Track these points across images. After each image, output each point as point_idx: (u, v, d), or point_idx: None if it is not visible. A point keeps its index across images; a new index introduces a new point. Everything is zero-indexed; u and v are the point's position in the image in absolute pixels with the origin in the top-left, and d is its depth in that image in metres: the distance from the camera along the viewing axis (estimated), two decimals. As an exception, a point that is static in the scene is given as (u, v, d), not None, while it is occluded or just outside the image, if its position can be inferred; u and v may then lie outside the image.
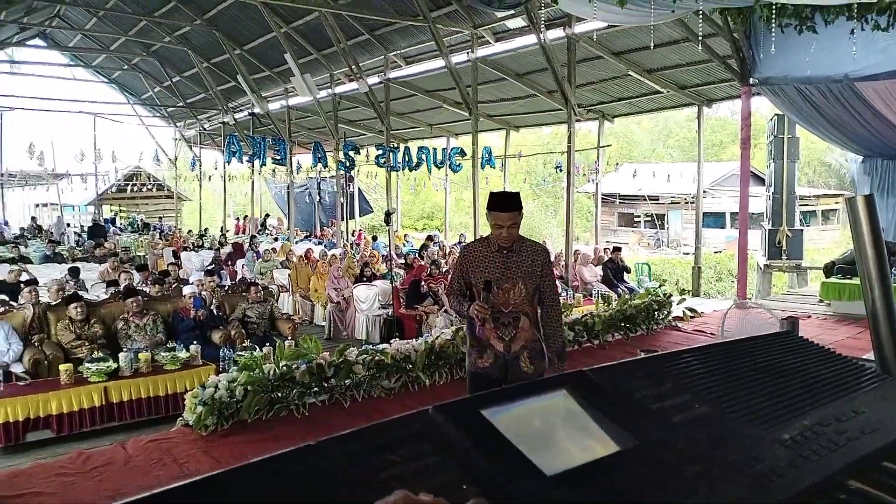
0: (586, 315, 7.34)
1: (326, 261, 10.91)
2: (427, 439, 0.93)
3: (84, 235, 18.71)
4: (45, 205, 26.49)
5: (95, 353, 5.81)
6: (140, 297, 6.83)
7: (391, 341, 5.96)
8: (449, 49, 12.79)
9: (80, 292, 7.89)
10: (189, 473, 3.82)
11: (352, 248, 15.28)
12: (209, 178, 22.62)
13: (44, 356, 5.97)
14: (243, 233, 20.79)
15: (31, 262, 12.17)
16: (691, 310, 8.81)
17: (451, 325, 6.73)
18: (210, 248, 15.66)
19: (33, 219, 22.26)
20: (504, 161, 17.30)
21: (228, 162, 18.84)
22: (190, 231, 21.01)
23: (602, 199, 17.19)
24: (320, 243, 16.73)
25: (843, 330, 7.95)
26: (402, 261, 12.45)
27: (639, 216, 27.19)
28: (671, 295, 8.55)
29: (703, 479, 0.95)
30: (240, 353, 5.63)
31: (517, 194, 3.10)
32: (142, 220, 24.36)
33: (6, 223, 22.30)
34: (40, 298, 7.24)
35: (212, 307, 7.52)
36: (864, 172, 11.00)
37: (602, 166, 16.14)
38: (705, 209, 16.62)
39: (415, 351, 5.64)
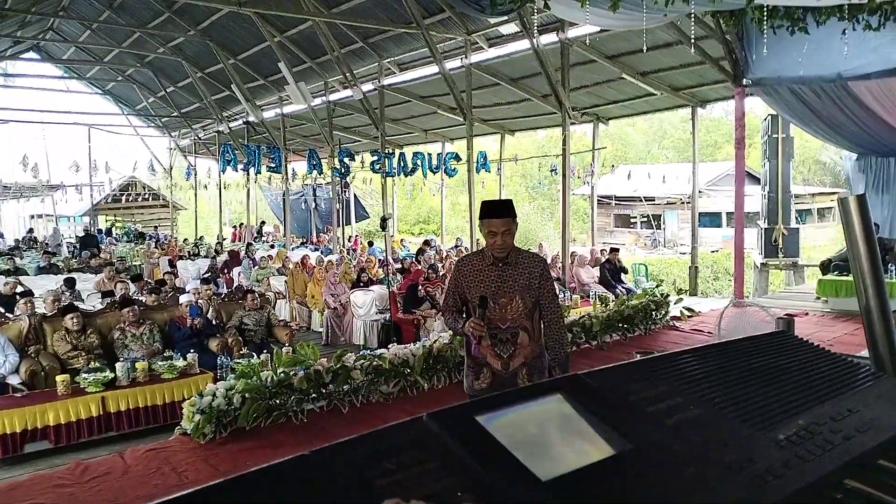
0: (584, 316, 7.35)
1: (323, 267, 10.91)
2: (422, 447, 0.93)
3: (77, 246, 18.66)
4: (39, 216, 26.44)
5: (92, 363, 5.80)
6: (136, 307, 6.82)
7: (389, 346, 5.96)
8: (443, 55, 12.82)
9: (76, 303, 7.87)
10: (187, 482, 3.81)
11: (348, 253, 15.27)
12: (205, 186, 22.60)
13: (40, 367, 5.95)
14: (240, 241, 20.77)
15: (27, 274, 12.13)
16: (689, 309, 8.83)
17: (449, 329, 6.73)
18: (206, 257, 15.64)
19: (30, 230, 22.20)
20: (500, 165, 17.33)
21: (223, 171, 18.82)
22: (186, 240, 20.98)
23: (598, 200, 17.23)
24: (317, 249, 16.73)
25: (841, 326, 7.97)
26: (399, 266, 12.45)
27: (635, 217, 27.26)
28: (668, 295, 8.57)
29: (698, 481, 0.95)
30: (237, 360, 5.62)
31: (510, 201, 3.02)
32: (136, 229, 24.32)
33: (1, 235, 22.25)
34: (36, 310, 7.23)
35: (208, 315, 7.51)
36: (859, 170, 11.04)
37: (597, 168, 16.17)
38: (701, 209, 16.68)
39: (413, 355, 5.64)
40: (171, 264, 13.70)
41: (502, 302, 2.92)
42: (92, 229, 21.77)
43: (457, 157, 14.89)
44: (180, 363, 5.88)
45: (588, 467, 0.94)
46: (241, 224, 23.47)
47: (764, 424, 1.10)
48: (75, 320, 6.36)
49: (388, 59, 14.99)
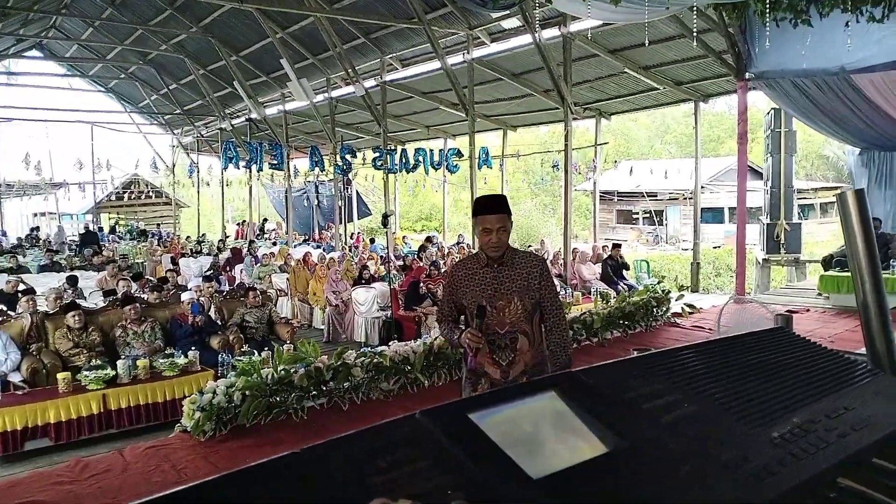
0: (585, 313, 7.35)
1: (325, 264, 10.91)
2: (414, 444, 0.92)
3: (78, 244, 18.69)
4: (42, 214, 26.50)
5: (93, 360, 5.80)
6: (138, 304, 6.83)
7: (390, 343, 5.96)
8: (445, 51, 12.80)
9: (78, 301, 7.88)
10: (187, 479, 3.81)
11: (350, 250, 15.27)
12: (207, 184, 22.62)
13: (42, 365, 5.96)
14: (244, 238, 20.80)
15: (29, 272, 12.15)
16: (690, 306, 8.82)
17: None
18: (208, 254, 15.65)
19: (36, 228, 22.23)
20: (502, 161, 17.31)
21: (225, 168, 18.84)
22: (188, 237, 21.02)
23: (600, 196, 17.21)
24: (318, 247, 16.73)
25: (842, 323, 7.95)
26: (401, 262, 12.44)
27: (637, 213, 27.21)
28: (670, 291, 8.56)
29: (692, 479, 0.94)
30: (238, 358, 5.63)
31: (504, 197, 2.87)
32: (139, 227, 24.36)
33: (4, 233, 22.29)
34: (38, 307, 7.23)
35: (210, 313, 7.51)
36: (862, 164, 11.01)
37: (600, 164, 16.15)
38: (703, 204, 16.64)
39: (413, 352, 5.64)
40: (174, 262, 13.71)
41: (500, 305, 2.75)
42: (93, 227, 21.80)
43: (459, 154, 14.87)
44: (181, 361, 5.89)
45: (580, 465, 0.93)
46: (244, 221, 23.50)
47: (759, 422, 1.09)
48: (77, 318, 6.37)
49: (391, 55, 14.98)
